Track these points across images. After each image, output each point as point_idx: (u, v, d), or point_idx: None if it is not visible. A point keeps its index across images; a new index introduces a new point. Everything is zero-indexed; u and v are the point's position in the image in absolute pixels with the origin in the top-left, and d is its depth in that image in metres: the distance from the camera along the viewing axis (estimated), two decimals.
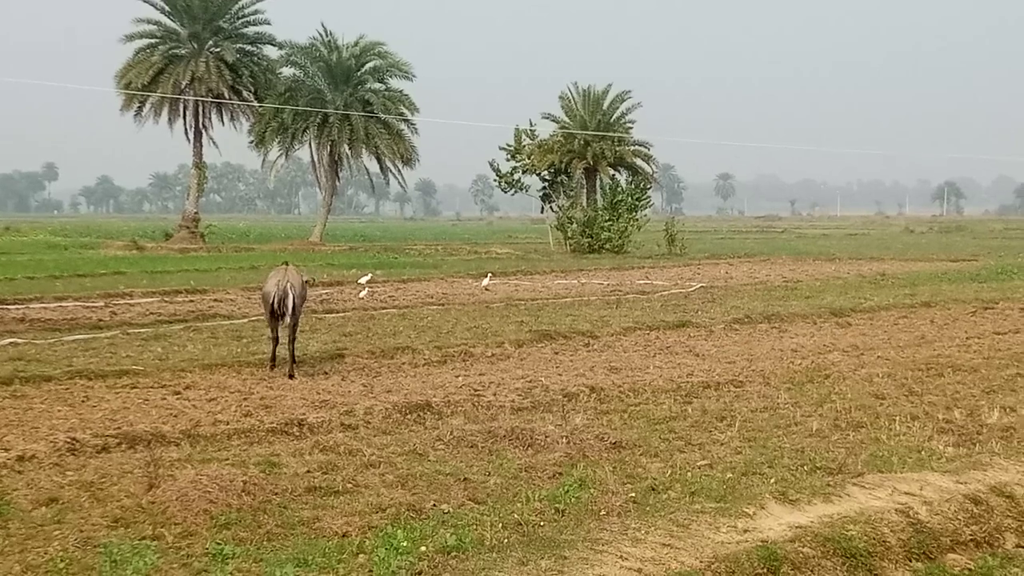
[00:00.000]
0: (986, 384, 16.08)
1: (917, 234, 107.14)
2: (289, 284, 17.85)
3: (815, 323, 24.75)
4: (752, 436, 12.48)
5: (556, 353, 19.97)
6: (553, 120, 74.91)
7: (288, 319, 17.81)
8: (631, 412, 14.08)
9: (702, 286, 35.80)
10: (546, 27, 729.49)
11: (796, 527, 8.05)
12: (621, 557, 7.39)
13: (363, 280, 32.95)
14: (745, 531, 7.95)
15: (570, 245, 62.71)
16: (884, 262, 51.35)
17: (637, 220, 64.44)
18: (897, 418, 13.28)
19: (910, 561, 8.05)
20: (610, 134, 71.91)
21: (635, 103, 75.83)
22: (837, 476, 9.83)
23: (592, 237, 61.66)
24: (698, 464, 11.05)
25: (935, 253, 59.29)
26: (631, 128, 75.38)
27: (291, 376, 17.22)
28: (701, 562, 7.35)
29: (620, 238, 61.95)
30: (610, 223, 62.17)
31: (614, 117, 74.46)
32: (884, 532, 8.11)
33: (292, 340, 18.02)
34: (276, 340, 18.06)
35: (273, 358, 17.91)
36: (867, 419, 13.32)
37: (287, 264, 19.13)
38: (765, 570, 7.41)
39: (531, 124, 69.08)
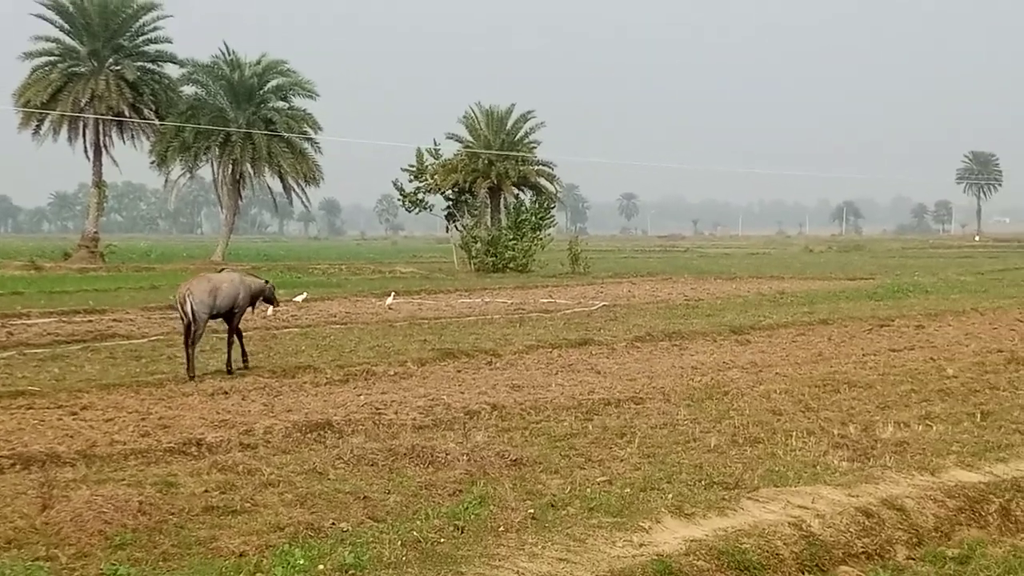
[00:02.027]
0: (881, 400, 16.32)
1: (816, 253, 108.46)
2: (188, 291, 19.08)
3: (715, 341, 24.99)
4: (651, 452, 12.58)
5: (459, 371, 20.00)
6: (457, 140, 74.97)
7: (193, 326, 18.95)
8: (532, 429, 14.13)
9: (605, 304, 35.98)
10: (451, 47, 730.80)
11: (691, 541, 8.15)
12: (518, 572, 7.43)
13: (299, 299, 33.20)
14: (641, 545, 8.03)
15: (474, 264, 62.71)
16: (784, 280, 51.95)
17: (541, 239, 64.67)
18: (793, 433, 13.44)
19: (803, 573, 8.18)
20: (514, 154, 72.11)
21: (539, 123, 76.20)
22: (733, 491, 9.94)
23: (496, 256, 61.75)
24: (597, 480, 11.12)
25: (833, 272, 60.05)
26: (535, 148, 75.71)
27: (229, 371, 19.39)
28: None
29: (524, 257, 62.14)
30: (514, 242, 62.34)
31: (518, 137, 74.70)
32: (777, 545, 8.23)
33: (229, 342, 19.94)
34: (187, 347, 19.02)
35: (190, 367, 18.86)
36: (764, 435, 13.46)
37: (222, 270, 20.42)
38: None
39: (435, 144, 69.08)
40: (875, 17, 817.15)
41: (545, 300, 38.94)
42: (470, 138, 74.91)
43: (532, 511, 9.81)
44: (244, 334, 20.57)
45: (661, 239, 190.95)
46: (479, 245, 63.19)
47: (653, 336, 25.38)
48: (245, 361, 20.00)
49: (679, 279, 53.63)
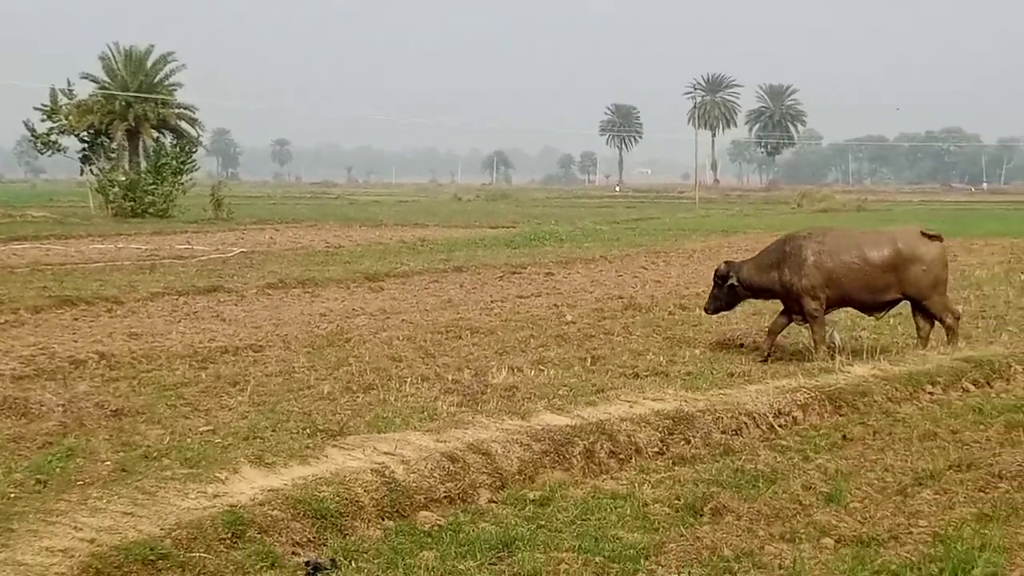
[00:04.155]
0: (500, 345, 16.52)
1: (464, 202, 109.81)
2: None
3: (348, 288, 24.89)
4: (262, 401, 12.37)
5: (75, 319, 19.18)
6: (93, 80, 72.27)
7: None
8: (141, 379, 13.67)
9: (243, 251, 35.40)
10: None
11: (269, 490, 7.96)
12: (76, 527, 7.06)
13: None
14: (215, 496, 7.80)
15: (112, 209, 60.33)
16: (428, 228, 52.30)
17: (183, 184, 63.01)
18: (409, 379, 13.45)
19: (383, 519, 8.14)
20: (152, 96, 70.02)
21: (180, 64, 74.46)
22: (336, 438, 9.81)
23: (135, 201, 59.54)
24: (200, 430, 10.86)
25: (478, 220, 60.94)
26: (176, 90, 73.84)
27: None
28: (162, 529, 7.14)
29: (165, 202, 60.24)
30: (154, 187, 60.33)
31: (157, 79, 72.66)
32: (358, 492, 8.15)
33: None
34: None
35: None
36: (380, 381, 13.42)
37: None
38: (230, 534, 7.29)
39: (69, 84, 66.23)
40: None
41: (182, 246, 37.98)
42: (107, 79, 72.31)
43: (121, 463, 9.47)
44: None
45: (313, 186, 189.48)
46: (117, 189, 60.83)
47: (286, 283, 25.05)
48: None
49: (324, 226, 53.30)
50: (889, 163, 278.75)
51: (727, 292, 16.15)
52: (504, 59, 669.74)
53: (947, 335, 15.60)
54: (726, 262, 16.44)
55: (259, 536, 7.39)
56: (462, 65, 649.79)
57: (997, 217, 64.94)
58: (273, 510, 7.62)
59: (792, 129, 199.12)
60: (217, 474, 8.15)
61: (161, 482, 7.99)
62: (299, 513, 7.71)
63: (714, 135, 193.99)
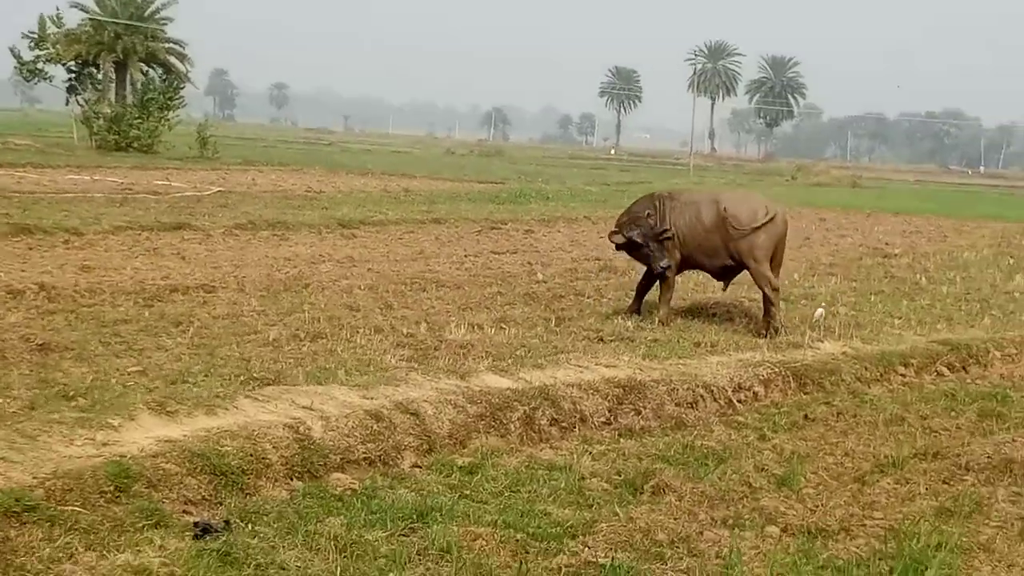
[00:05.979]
0: (464, 301, 15.87)
1: (458, 155, 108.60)
2: None
3: (320, 233, 24.20)
4: (203, 343, 11.69)
5: (30, 249, 18.52)
6: (82, 9, 71.24)
7: None
8: (80, 313, 13.00)
9: (220, 190, 34.63)
10: None
11: (165, 441, 7.31)
12: None
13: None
14: (104, 444, 7.14)
15: (95, 141, 59.37)
16: (415, 179, 51.47)
17: (169, 120, 62.03)
18: (361, 330, 12.80)
19: (291, 479, 7.52)
20: (141, 25, 68.99)
21: None
22: (271, 386, 9.13)
23: (120, 134, 58.60)
24: (129, 370, 10.18)
25: (468, 175, 59.94)
26: (166, 24, 72.92)
27: None
28: (35, 478, 6.50)
29: (150, 137, 59.29)
30: (140, 121, 59.36)
31: (148, 11, 71.70)
32: (266, 448, 7.50)
33: None
34: None
35: None
36: (331, 330, 12.75)
37: None
38: (113, 488, 6.64)
39: (58, 11, 65.19)
40: None
41: (160, 182, 37.17)
42: (97, 8, 71.36)
43: (32, 401, 8.80)
44: None
45: (308, 132, 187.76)
46: (101, 122, 59.82)
47: (256, 224, 24.32)
48: None
49: (310, 171, 52.42)
50: (888, 142, 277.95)
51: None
52: (512, 16, 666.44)
53: (763, 305, 14.83)
54: (615, 231, 15.70)
55: (146, 491, 6.75)
56: (467, 19, 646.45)
57: (992, 201, 64.18)
58: (166, 463, 6.96)
59: (792, 101, 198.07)
60: (110, 420, 7.49)
61: (46, 425, 7.33)
62: (196, 468, 7.06)
63: (713, 103, 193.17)
